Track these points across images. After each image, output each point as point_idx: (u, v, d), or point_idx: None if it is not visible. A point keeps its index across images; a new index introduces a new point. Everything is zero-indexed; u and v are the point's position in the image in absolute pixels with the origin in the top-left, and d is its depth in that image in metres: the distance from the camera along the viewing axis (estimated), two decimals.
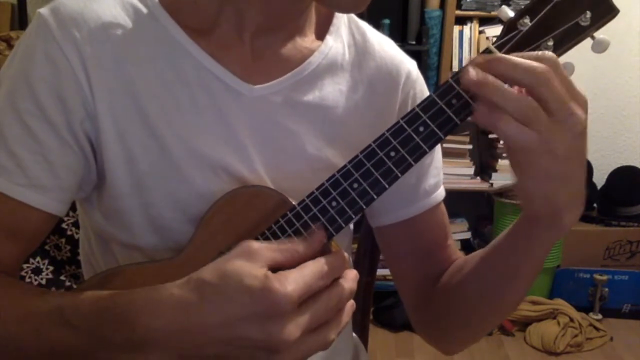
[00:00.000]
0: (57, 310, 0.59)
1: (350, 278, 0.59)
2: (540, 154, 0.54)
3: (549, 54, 0.54)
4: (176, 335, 0.53)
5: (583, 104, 0.55)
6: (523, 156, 0.55)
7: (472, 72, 0.54)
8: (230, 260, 0.54)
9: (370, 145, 0.60)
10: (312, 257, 0.59)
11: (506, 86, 0.54)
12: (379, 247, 0.88)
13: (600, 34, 0.56)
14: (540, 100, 0.53)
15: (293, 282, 0.53)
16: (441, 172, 0.83)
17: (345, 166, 0.60)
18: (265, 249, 0.55)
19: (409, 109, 0.78)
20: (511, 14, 0.58)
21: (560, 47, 0.57)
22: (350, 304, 0.59)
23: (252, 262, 0.54)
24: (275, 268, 0.55)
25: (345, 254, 0.60)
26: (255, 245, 0.55)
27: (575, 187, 0.57)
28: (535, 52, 0.55)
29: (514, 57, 0.54)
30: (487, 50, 0.58)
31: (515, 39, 0.57)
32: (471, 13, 2.79)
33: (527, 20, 0.57)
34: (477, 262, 0.72)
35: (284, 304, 0.51)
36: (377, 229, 0.84)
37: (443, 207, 0.84)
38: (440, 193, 0.83)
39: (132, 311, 0.55)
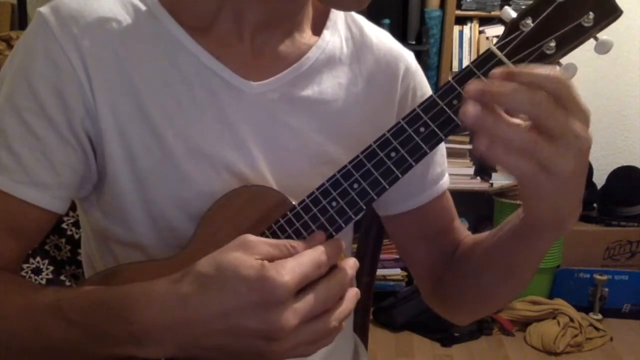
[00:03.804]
0: (55, 304, 0.59)
1: (350, 266, 0.59)
2: (544, 180, 0.52)
3: (553, 74, 0.51)
4: (174, 327, 0.54)
5: (587, 119, 0.53)
6: (527, 182, 0.54)
7: (471, 109, 0.52)
8: (226, 252, 0.55)
9: (370, 146, 0.60)
10: None
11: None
12: (387, 234, 0.89)
13: (603, 35, 0.56)
14: (541, 128, 0.51)
15: (290, 270, 0.53)
16: (445, 160, 0.84)
17: (345, 166, 0.60)
18: (262, 243, 0.56)
19: (409, 101, 0.79)
20: (514, 14, 0.57)
21: (563, 48, 0.56)
22: (354, 292, 0.59)
23: (248, 253, 0.54)
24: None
25: (342, 242, 0.60)
26: (252, 238, 0.56)
27: (578, 196, 0.57)
28: (539, 72, 0.51)
29: (512, 87, 0.50)
30: (489, 52, 0.57)
31: (517, 40, 0.57)
32: (471, 13, 2.79)
33: (529, 20, 0.56)
34: (481, 255, 0.74)
35: (280, 291, 0.52)
36: (385, 217, 0.85)
37: (448, 192, 0.85)
38: (446, 180, 0.83)
39: (129, 304, 0.56)
